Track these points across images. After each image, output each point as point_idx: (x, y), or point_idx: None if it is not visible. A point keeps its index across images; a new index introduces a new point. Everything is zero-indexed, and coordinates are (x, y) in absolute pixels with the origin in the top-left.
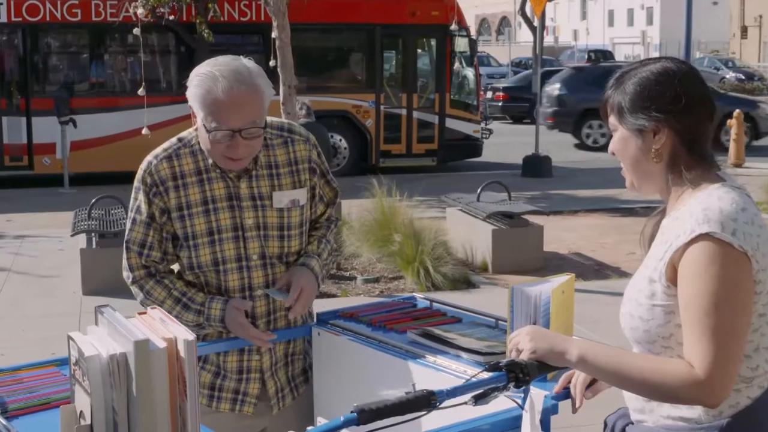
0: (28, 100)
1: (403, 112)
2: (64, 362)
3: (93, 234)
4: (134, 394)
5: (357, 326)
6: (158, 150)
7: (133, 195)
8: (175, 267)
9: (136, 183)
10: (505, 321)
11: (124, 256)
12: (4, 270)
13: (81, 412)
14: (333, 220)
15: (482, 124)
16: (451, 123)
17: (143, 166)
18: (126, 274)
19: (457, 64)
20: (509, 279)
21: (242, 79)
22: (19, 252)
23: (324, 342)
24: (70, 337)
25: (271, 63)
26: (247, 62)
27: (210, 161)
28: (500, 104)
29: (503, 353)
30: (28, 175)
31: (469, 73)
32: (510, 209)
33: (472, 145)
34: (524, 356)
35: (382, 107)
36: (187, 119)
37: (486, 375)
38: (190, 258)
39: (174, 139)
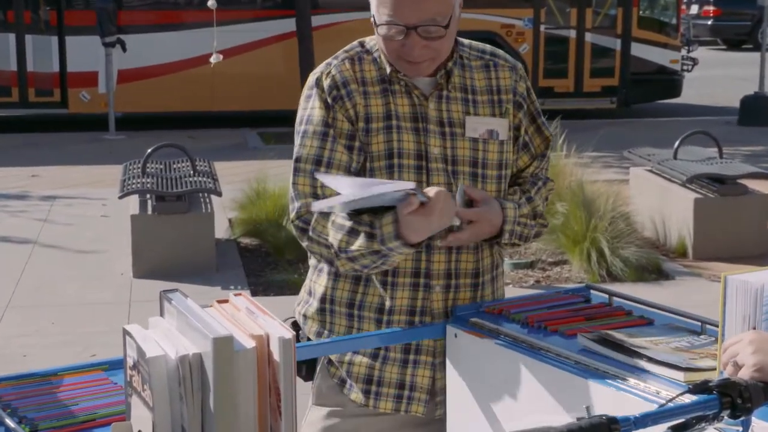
0: (60, 12)
1: (572, 34)
2: (115, 366)
3: (148, 196)
4: (211, 409)
5: (507, 326)
6: (338, 53)
7: (301, 105)
8: None
9: (306, 91)
10: (716, 325)
11: (291, 181)
12: (28, 242)
13: (139, 431)
14: (542, 177)
15: (683, 52)
16: (638, 50)
17: (319, 68)
18: (291, 207)
19: None
20: (718, 267)
21: None
22: (48, 218)
23: (462, 346)
24: (126, 332)
25: None
26: None
27: (389, 71)
28: (710, 23)
29: (713, 369)
30: (60, 114)
31: None
32: (721, 171)
33: (669, 81)
34: (745, 374)
35: (542, 27)
36: (274, 42)
37: (689, 398)
38: None
39: (355, 43)
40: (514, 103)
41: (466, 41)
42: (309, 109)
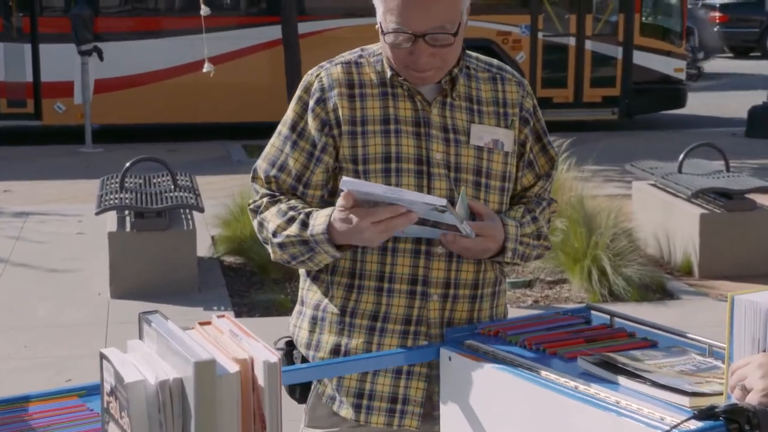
0: (34, 19)
1: (571, 41)
2: (91, 391)
3: (127, 212)
4: None
5: (504, 349)
6: (336, 56)
7: (289, 107)
8: None
9: (296, 92)
10: (722, 347)
11: (251, 176)
12: (0, 261)
13: None
14: (546, 198)
15: (688, 60)
16: (641, 58)
17: (311, 70)
18: (252, 198)
19: None
20: (725, 286)
21: None
22: (20, 236)
23: (457, 369)
24: (103, 356)
25: None
26: None
27: (389, 75)
28: (716, 30)
29: (720, 394)
30: (34, 126)
31: None
32: (728, 185)
33: (673, 91)
34: (753, 399)
35: (540, 35)
36: (259, 50)
37: (695, 425)
38: None
39: (356, 49)
40: (521, 118)
41: (473, 53)
42: (289, 110)
